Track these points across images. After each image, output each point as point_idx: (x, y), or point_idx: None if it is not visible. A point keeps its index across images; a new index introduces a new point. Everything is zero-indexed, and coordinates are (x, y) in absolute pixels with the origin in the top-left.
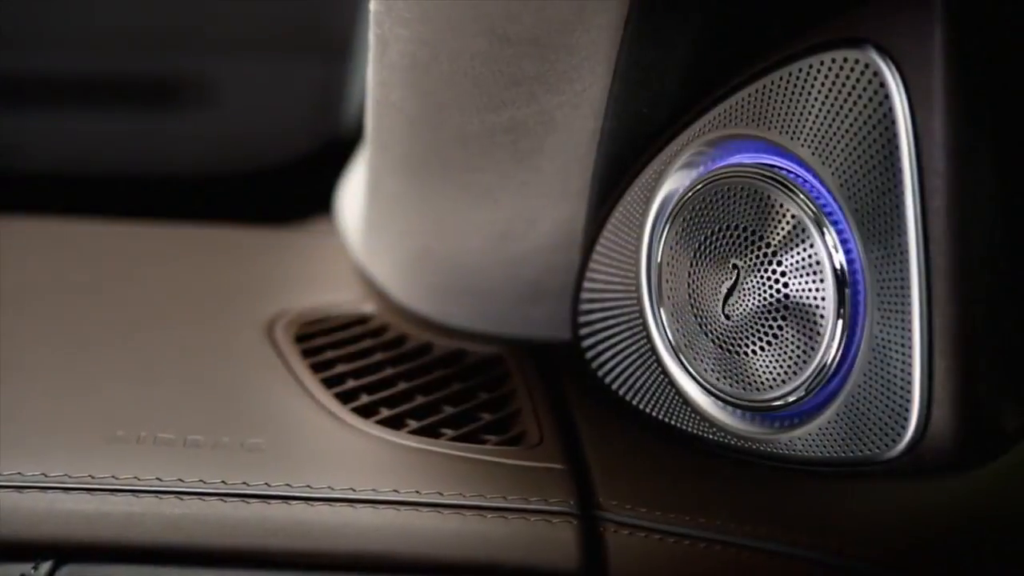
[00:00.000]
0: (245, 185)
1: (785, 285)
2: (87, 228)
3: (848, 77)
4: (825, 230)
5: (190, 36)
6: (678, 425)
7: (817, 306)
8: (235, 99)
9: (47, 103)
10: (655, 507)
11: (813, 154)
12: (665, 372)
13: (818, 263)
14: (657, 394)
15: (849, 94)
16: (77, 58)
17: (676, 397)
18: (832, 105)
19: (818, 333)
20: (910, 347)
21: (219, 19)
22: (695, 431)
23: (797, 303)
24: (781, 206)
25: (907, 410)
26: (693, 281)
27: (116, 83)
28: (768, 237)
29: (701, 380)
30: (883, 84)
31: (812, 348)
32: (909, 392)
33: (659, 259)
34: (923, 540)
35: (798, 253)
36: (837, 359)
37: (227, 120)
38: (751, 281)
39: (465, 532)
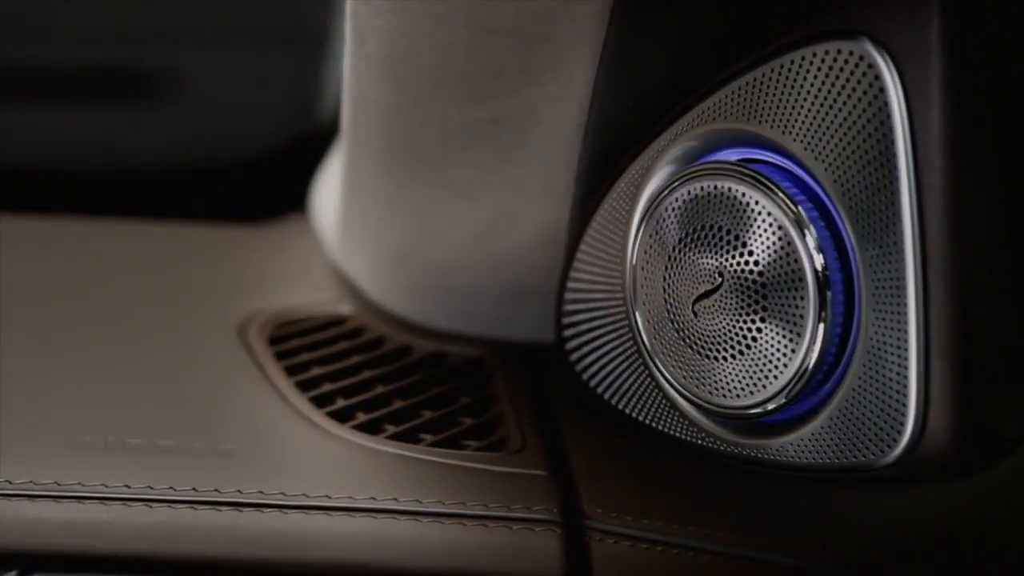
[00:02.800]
0: (217, 181)
1: (763, 287)
2: (52, 225)
3: (842, 70)
4: (806, 231)
5: (161, 28)
6: (666, 430)
7: (796, 310)
8: (207, 93)
9: (13, 96)
10: (642, 515)
11: (805, 149)
12: (652, 375)
13: (797, 265)
14: (644, 398)
15: (843, 87)
16: (44, 50)
17: (663, 401)
18: (826, 99)
19: (797, 338)
20: (906, 349)
21: (190, 10)
22: (683, 436)
23: (775, 307)
24: (760, 206)
25: (903, 415)
26: (669, 283)
27: (84, 76)
28: (745, 238)
29: (679, 387)
30: (878, 77)
31: (790, 354)
32: (905, 396)
33: (634, 260)
34: (920, 549)
35: (776, 254)
36: (823, 365)
37: (199, 114)
38: (727, 283)
39: (445, 541)
